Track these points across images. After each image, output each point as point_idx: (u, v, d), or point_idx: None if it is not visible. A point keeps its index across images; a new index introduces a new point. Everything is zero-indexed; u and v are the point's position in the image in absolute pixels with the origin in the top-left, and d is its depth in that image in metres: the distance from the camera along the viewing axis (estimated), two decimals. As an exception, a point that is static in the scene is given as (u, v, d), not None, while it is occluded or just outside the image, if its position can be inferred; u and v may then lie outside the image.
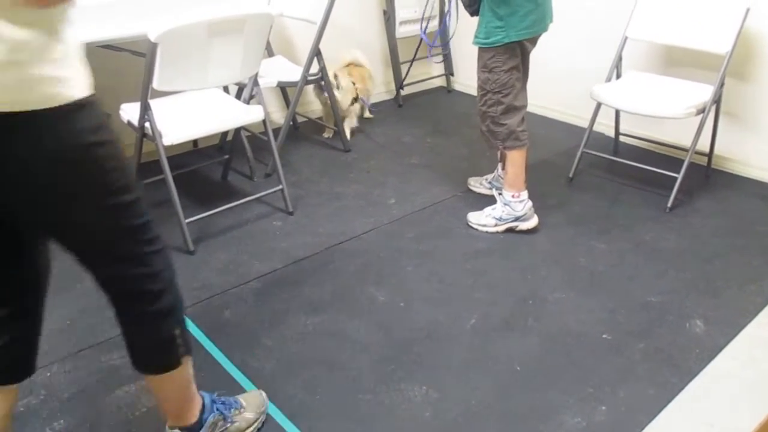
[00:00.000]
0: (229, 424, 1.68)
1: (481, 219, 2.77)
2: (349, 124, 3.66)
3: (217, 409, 1.66)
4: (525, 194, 2.69)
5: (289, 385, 1.95)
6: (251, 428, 1.74)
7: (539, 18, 2.44)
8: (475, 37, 2.49)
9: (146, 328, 1.44)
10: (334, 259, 2.57)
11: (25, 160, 1.14)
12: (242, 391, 1.91)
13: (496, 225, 2.74)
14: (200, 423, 1.61)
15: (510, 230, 2.74)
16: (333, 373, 2.00)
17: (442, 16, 4.31)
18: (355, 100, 3.66)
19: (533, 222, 2.74)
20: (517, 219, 2.72)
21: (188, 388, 1.57)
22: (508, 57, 2.45)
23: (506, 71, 2.47)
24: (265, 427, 1.79)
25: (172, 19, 2.22)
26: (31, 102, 1.10)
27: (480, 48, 2.50)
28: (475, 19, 2.51)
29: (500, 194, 2.74)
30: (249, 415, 1.74)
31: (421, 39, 3.33)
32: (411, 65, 3.40)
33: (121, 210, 1.30)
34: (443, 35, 4.27)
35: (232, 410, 1.71)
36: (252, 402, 1.78)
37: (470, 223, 2.80)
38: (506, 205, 2.71)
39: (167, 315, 1.45)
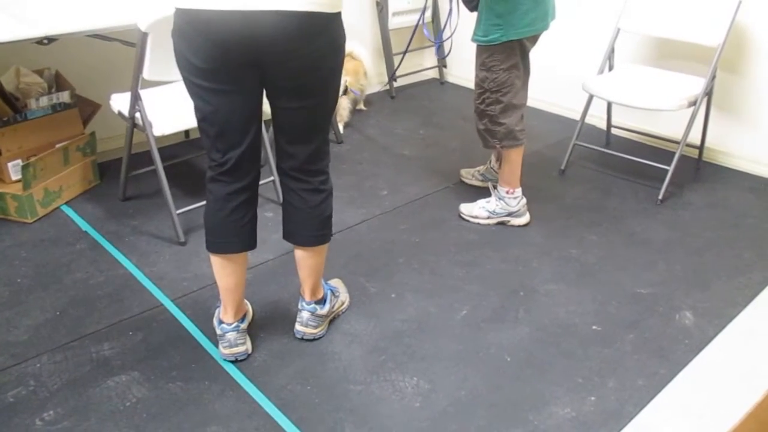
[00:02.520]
0: (336, 298, 2.17)
1: (474, 210, 2.77)
2: (340, 119, 3.64)
3: (328, 289, 2.14)
4: (519, 191, 2.69)
5: (280, 375, 1.95)
6: (345, 303, 2.24)
7: (539, 16, 2.39)
8: (474, 34, 2.44)
9: (322, 203, 1.91)
10: (326, 251, 2.56)
11: (324, 48, 1.66)
12: (233, 382, 1.92)
13: (488, 217, 2.75)
14: (325, 296, 2.10)
15: (501, 224, 2.75)
16: (324, 363, 2.00)
17: (435, 8, 4.30)
18: (344, 92, 3.63)
19: (525, 219, 2.74)
20: (510, 214, 2.73)
21: (323, 266, 2.06)
22: (507, 56, 2.41)
23: (505, 70, 2.43)
24: (255, 418, 1.80)
25: (162, 8, 2.21)
26: (335, 6, 1.64)
27: (478, 46, 2.47)
28: (472, 15, 2.48)
29: (495, 188, 2.74)
30: (343, 294, 2.25)
31: (415, 30, 3.31)
32: (403, 58, 3.37)
33: (337, 93, 1.85)
34: (437, 29, 4.26)
35: (334, 289, 2.18)
36: (340, 286, 2.27)
37: (462, 215, 2.80)
38: (500, 200, 2.71)
39: (331, 194, 1.94)
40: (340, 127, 3.61)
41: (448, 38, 2.85)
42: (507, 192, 2.68)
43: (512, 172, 2.65)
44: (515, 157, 2.62)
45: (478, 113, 2.58)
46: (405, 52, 3.09)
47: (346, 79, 3.64)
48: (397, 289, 2.35)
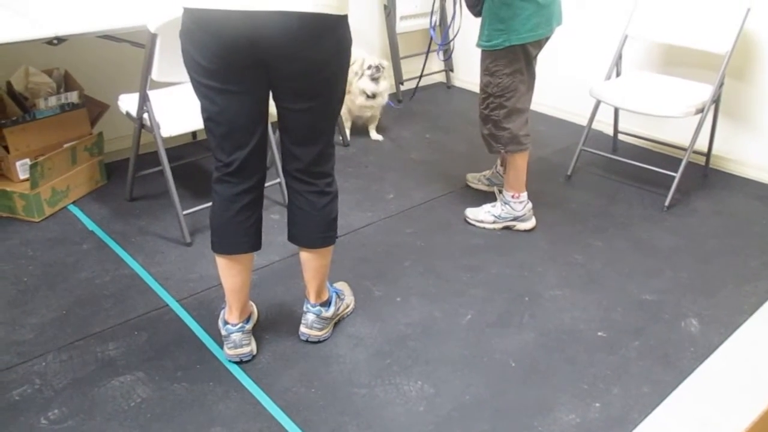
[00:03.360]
0: (341, 301, 2.18)
1: (479, 215, 2.77)
2: (372, 120, 3.67)
3: (334, 291, 2.15)
4: (525, 195, 2.69)
5: (285, 377, 1.95)
6: (351, 306, 2.24)
7: (543, 21, 2.38)
8: (478, 39, 2.45)
9: (327, 205, 1.92)
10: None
11: (329, 50, 1.67)
12: (238, 384, 1.92)
13: (494, 222, 2.74)
14: (330, 299, 2.11)
15: (507, 228, 2.75)
16: (328, 366, 2.00)
17: (443, 12, 4.30)
18: (373, 97, 3.56)
19: (531, 223, 2.74)
20: (515, 219, 2.72)
21: (328, 268, 2.06)
22: (510, 61, 2.42)
23: (508, 75, 2.44)
24: (259, 420, 1.80)
25: (172, 10, 2.22)
26: (341, 8, 1.63)
27: (482, 51, 2.47)
28: (477, 19, 2.49)
29: (500, 193, 2.74)
30: (348, 297, 2.25)
31: (431, 39, 3.31)
32: (426, 59, 3.33)
33: (343, 95, 1.84)
34: (445, 34, 4.26)
35: (339, 291, 2.19)
36: (345, 289, 2.29)
37: (468, 219, 2.80)
38: (506, 205, 2.71)
39: (336, 197, 1.95)
40: (376, 136, 3.64)
41: (451, 40, 2.88)
42: (512, 197, 2.68)
43: (517, 176, 2.65)
44: (520, 162, 2.62)
45: (482, 118, 2.58)
46: (427, 52, 3.11)
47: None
48: (403, 292, 2.35)
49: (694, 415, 1.86)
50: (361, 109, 3.51)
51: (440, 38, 4.29)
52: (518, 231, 2.74)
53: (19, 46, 2.29)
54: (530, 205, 2.72)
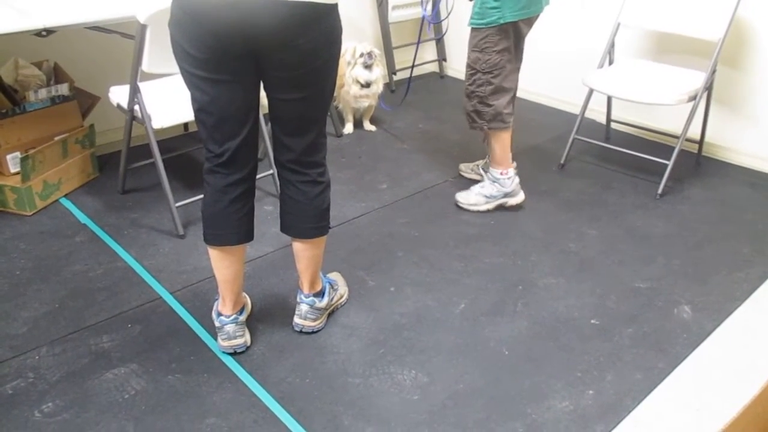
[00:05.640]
0: (335, 291, 2.18)
1: (470, 198, 2.78)
2: (367, 115, 3.66)
3: (327, 281, 2.15)
4: (512, 170, 2.71)
5: (279, 368, 1.95)
6: (344, 297, 2.24)
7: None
8: (471, 18, 2.49)
9: (320, 195, 1.91)
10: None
11: (320, 39, 1.65)
12: (232, 375, 1.92)
13: (486, 203, 2.76)
14: (323, 289, 2.09)
15: (500, 207, 2.75)
16: (323, 356, 2.00)
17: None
18: (367, 85, 3.53)
19: (521, 197, 2.76)
20: (506, 195, 2.74)
21: (321, 258, 2.06)
22: (501, 38, 2.46)
23: (498, 52, 2.48)
24: (254, 410, 1.80)
25: (161, 0, 2.20)
26: None
27: (473, 29, 2.50)
28: (470, 4, 2.50)
29: (487, 172, 2.76)
30: (342, 288, 2.24)
31: (422, 21, 3.28)
32: (417, 48, 3.30)
33: (334, 85, 1.82)
34: (436, 9, 4.23)
35: (332, 282, 2.19)
36: (339, 279, 2.27)
37: (459, 204, 2.80)
38: (495, 183, 2.72)
39: (328, 186, 1.94)
40: (351, 124, 3.62)
41: (444, 18, 2.87)
42: (501, 173, 2.69)
43: (503, 151, 2.67)
44: (504, 138, 2.65)
45: (468, 94, 2.62)
46: (418, 42, 3.10)
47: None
48: (396, 282, 2.35)
49: (687, 401, 1.87)
50: (357, 101, 3.49)
51: (432, 16, 4.22)
52: (510, 218, 2.74)
53: (7, 38, 2.27)
54: (517, 179, 2.73)
